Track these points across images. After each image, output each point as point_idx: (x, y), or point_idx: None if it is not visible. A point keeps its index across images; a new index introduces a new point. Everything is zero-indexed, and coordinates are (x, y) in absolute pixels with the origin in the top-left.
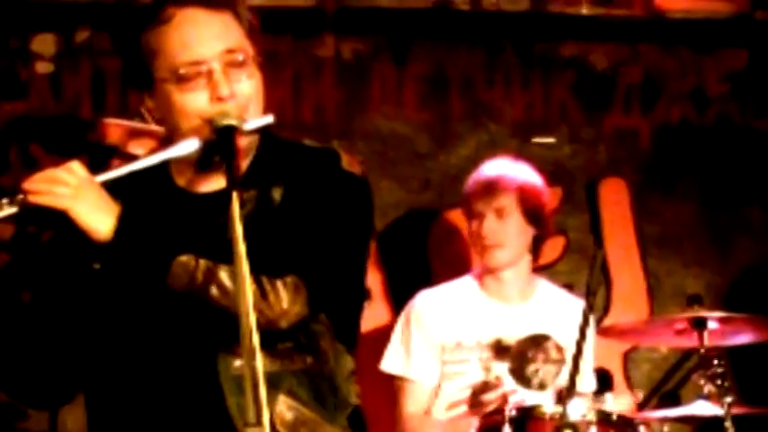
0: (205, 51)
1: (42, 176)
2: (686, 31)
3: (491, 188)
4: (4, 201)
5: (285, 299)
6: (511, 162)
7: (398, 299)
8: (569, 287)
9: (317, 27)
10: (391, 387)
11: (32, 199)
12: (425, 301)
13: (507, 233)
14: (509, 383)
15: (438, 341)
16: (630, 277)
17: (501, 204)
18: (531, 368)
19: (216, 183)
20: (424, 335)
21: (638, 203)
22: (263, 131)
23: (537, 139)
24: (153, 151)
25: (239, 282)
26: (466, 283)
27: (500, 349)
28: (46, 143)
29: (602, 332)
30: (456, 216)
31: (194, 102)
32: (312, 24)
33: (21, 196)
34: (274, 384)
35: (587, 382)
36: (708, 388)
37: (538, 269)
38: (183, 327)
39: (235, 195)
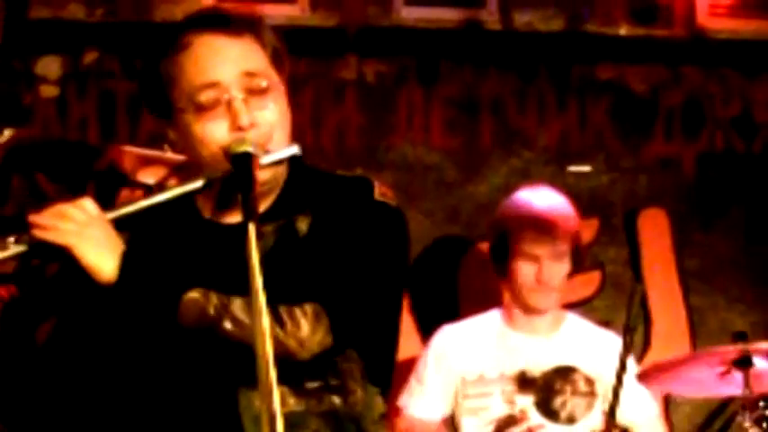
0: (223, 74)
1: (51, 211)
2: (731, 52)
3: (551, 232)
4: (11, 239)
5: (304, 327)
6: (556, 196)
7: (424, 335)
8: (606, 324)
9: (339, 48)
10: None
11: (37, 233)
12: (446, 336)
13: (562, 276)
14: (535, 417)
15: (458, 375)
16: (671, 314)
17: (560, 249)
18: (558, 401)
19: (239, 214)
20: (441, 371)
21: (679, 236)
22: (292, 162)
23: (572, 168)
24: (163, 181)
25: (255, 317)
26: (490, 318)
27: (524, 382)
28: (50, 171)
29: (640, 377)
30: (486, 249)
31: (213, 131)
32: (333, 45)
33: (27, 234)
34: (299, 426)
35: (648, 405)
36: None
37: (572, 305)
38: (200, 364)
39: (251, 227)
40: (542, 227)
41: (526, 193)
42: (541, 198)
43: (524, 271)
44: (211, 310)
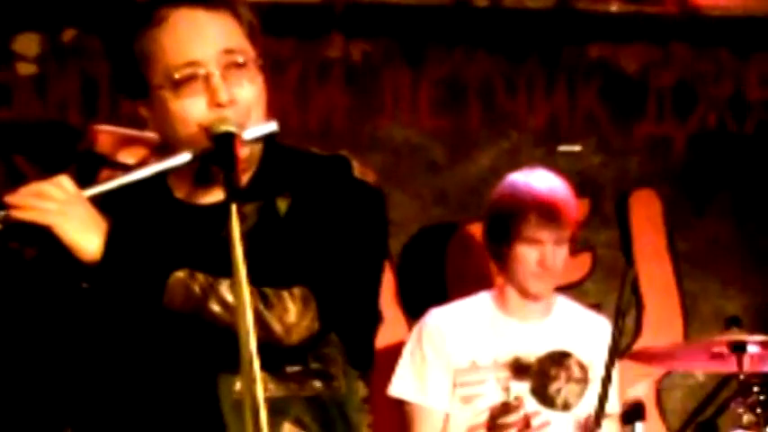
0: (201, 52)
1: (28, 190)
2: (724, 30)
3: (556, 216)
4: None
5: (293, 311)
6: (557, 179)
7: (413, 320)
8: (597, 307)
9: (325, 26)
10: (401, 411)
11: (16, 214)
12: (438, 320)
13: (562, 261)
14: (530, 404)
15: (452, 362)
16: (664, 298)
17: (563, 235)
18: (553, 387)
19: (216, 194)
20: (438, 356)
21: (671, 218)
22: (267, 140)
23: (563, 148)
24: (144, 161)
25: (239, 301)
26: (480, 301)
27: (519, 368)
28: (30, 152)
29: (633, 357)
30: (474, 231)
31: (191, 108)
32: (319, 23)
33: (3, 213)
34: (281, 411)
35: (611, 403)
36: (747, 417)
37: (563, 288)
38: (182, 347)
39: (234, 208)
40: (547, 211)
41: (525, 175)
42: (543, 181)
43: (526, 255)
44: (198, 291)
